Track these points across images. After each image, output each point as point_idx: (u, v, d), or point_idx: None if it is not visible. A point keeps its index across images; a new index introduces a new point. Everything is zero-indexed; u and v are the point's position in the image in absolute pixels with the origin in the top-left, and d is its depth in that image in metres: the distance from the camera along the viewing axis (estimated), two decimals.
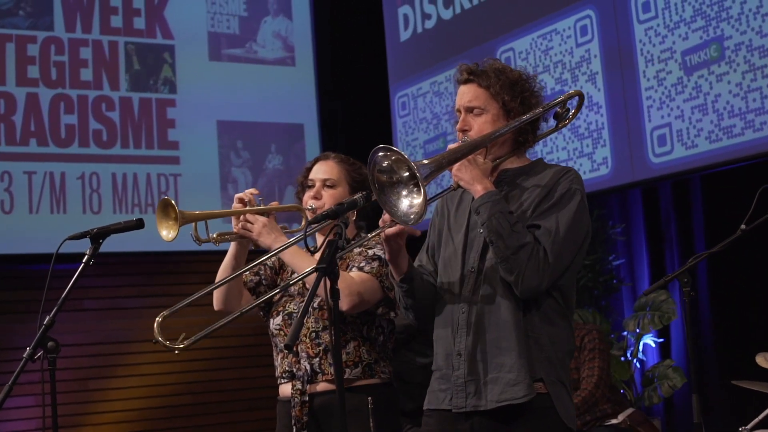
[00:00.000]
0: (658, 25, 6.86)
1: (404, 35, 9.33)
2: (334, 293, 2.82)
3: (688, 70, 6.66)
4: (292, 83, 9.67)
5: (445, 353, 3.45)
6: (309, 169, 4.25)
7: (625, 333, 7.25)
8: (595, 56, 7.31)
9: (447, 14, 8.80)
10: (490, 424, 3.33)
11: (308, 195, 4.17)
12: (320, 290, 3.88)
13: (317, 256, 4.05)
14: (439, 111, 8.82)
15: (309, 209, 4.13)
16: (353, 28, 9.80)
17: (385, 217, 3.33)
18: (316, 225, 3.42)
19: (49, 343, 3.72)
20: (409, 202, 3.20)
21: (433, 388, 3.51)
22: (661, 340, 7.41)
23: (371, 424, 3.81)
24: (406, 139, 9.14)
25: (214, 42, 9.41)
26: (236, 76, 9.40)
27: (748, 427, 4.44)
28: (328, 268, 2.81)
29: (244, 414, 9.00)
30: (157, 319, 3.68)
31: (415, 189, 3.19)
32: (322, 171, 4.20)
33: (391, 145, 3.19)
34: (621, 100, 7.02)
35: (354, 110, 9.57)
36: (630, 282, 7.80)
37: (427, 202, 3.15)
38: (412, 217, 3.18)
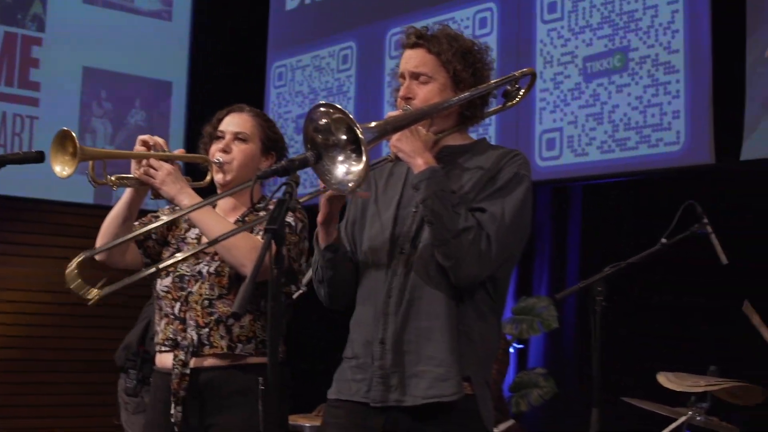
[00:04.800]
0: (562, 28, 6.70)
1: (290, 3, 9.02)
2: (280, 260, 2.49)
3: (588, 77, 6.52)
4: (166, 38, 9.30)
5: (365, 340, 3.13)
6: (220, 120, 3.89)
7: None
8: (491, 50, 7.09)
9: None
10: (408, 422, 3.02)
11: (216, 147, 3.83)
12: (223, 253, 3.58)
13: (219, 211, 3.78)
14: (317, 86, 8.53)
15: (216, 162, 3.78)
16: None
17: None
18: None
19: None
20: (346, 168, 2.85)
21: (345, 376, 3.18)
22: (521, 346, 7.25)
23: (260, 407, 3.46)
24: (278, 111, 8.82)
25: None
26: (109, 23, 8.98)
27: None
28: (279, 230, 2.48)
29: (77, 375, 8.56)
30: (74, 261, 3.32)
31: (354, 155, 2.83)
32: (234, 123, 3.86)
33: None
34: None
35: (227, 74, 9.20)
36: None
37: (368, 170, 2.83)
38: (349, 185, 2.84)
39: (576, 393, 6.65)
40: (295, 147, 7.37)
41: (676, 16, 6.06)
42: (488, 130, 6.99)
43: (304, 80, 8.70)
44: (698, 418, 4.34)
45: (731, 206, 5.80)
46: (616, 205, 6.77)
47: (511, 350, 7.02)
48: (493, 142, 6.64)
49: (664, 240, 4.25)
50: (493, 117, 6.90)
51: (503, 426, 5.46)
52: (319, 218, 3.13)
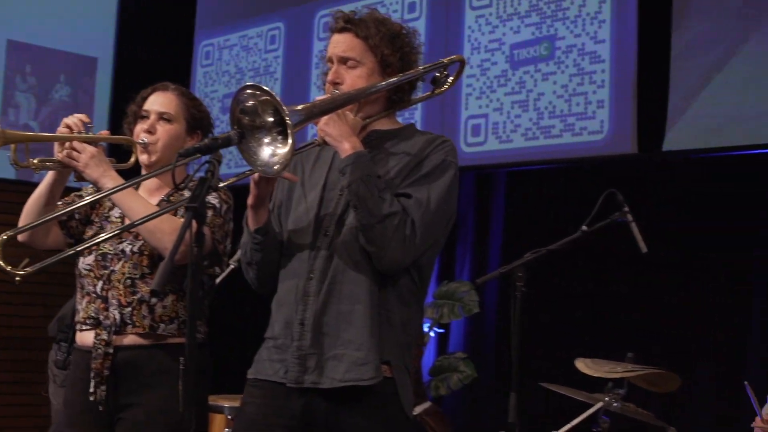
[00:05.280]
0: (490, 14, 6.73)
1: None
2: (200, 238, 2.48)
3: (515, 64, 6.56)
4: (93, 13, 9.12)
5: (285, 321, 3.13)
6: (144, 99, 3.85)
7: None
8: (420, 35, 7.11)
9: None
10: (327, 405, 3.03)
11: (141, 127, 3.79)
12: (147, 236, 3.57)
13: (142, 194, 3.75)
14: (244, 66, 8.50)
15: (141, 143, 3.75)
16: None
17: None
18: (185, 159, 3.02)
19: None
20: (271, 150, 2.86)
21: (263, 356, 3.18)
22: (441, 330, 7.29)
23: (180, 387, 3.45)
24: (204, 90, 8.77)
25: None
26: None
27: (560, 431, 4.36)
28: (200, 208, 2.47)
29: (15, 353, 8.43)
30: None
31: (280, 137, 2.84)
32: (159, 103, 3.82)
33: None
34: None
35: (154, 52, 9.07)
36: None
37: (293, 152, 2.84)
38: (275, 168, 2.85)
39: (495, 378, 6.71)
40: (221, 127, 7.37)
41: (604, 6, 6.12)
42: (414, 114, 7.01)
43: (231, 60, 8.66)
44: (615, 404, 4.40)
45: (652, 196, 5.89)
46: (539, 192, 6.83)
47: (432, 334, 7.06)
48: (418, 127, 6.72)
49: (584, 227, 4.30)
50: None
51: (420, 408, 5.50)
52: (249, 201, 3.12)
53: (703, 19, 5.75)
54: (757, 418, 4.44)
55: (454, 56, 3.42)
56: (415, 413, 5.42)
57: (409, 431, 3.15)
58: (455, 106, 6.83)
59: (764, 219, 5.61)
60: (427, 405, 5.63)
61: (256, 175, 3.01)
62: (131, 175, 3.62)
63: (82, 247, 3.53)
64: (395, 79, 3.20)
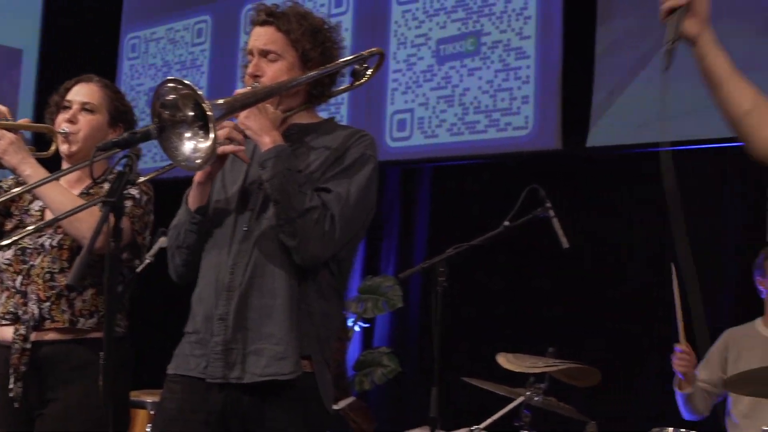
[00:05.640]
0: (417, 9, 6.77)
1: None
2: (117, 232, 2.47)
3: (441, 59, 6.59)
4: (17, 4, 8.99)
5: (206, 316, 3.10)
6: (67, 90, 3.82)
7: None
8: (347, 30, 7.12)
9: None
10: (247, 399, 3.01)
11: (63, 117, 3.76)
12: (66, 225, 3.53)
13: (62, 183, 3.71)
14: (171, 59, 8.44)
15: (61, 132, 3.72)
16: None
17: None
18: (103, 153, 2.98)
19: None
20: (193, 145, 2.83)
21: (184, 351, 3.15)
22: (366, 325, 7.30)
23: (100, 382, 3.40)
24: (131, 83, 8.70)
25: None
26: None
27: (482, 426, 4.37)
28: (117, 203, 2.46)
29: None
30: None
31: (201, 132, 2.82)
32: (82, 93, 3.79)
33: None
34: None
35: (79, 44, 8.97)
36: None
37: (215, 147, 2.81)
38: (197, 162, 2.82)
39: (419, 372, 6.73)
40: (147, 120, 7.28)
41: (529, 2, 6.18)
42: (340, 109, 7.02)
43: (158, 53, 8.60)
44: (536, 398, 4.43)
45: (575, 191, 5.94)
46: (464, 187, 6.86)
47: (357, 329, 7.07)
48: (344, 121, 6.76)
49: (506, 223, 4.34)
50: (345, 96, 6.92)
51: (343, 402, 5.50)
52: (198, 177, 3.10)
53: (627, 16, 5.83)
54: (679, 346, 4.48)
55: (373, 49, 3.43)
56: (338, 408, 5.43)
57: (329, 425, 3.14)
58: (381, 100, 6.84)
59: (685, 216, 5.67)
60: (350, 400, 5.64)
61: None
62: (51, 163, 3.58)
63: (5, 243, 3.48)
64: (315, 72, 3.20)
